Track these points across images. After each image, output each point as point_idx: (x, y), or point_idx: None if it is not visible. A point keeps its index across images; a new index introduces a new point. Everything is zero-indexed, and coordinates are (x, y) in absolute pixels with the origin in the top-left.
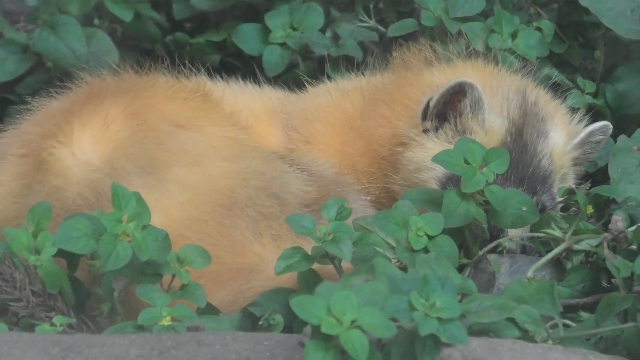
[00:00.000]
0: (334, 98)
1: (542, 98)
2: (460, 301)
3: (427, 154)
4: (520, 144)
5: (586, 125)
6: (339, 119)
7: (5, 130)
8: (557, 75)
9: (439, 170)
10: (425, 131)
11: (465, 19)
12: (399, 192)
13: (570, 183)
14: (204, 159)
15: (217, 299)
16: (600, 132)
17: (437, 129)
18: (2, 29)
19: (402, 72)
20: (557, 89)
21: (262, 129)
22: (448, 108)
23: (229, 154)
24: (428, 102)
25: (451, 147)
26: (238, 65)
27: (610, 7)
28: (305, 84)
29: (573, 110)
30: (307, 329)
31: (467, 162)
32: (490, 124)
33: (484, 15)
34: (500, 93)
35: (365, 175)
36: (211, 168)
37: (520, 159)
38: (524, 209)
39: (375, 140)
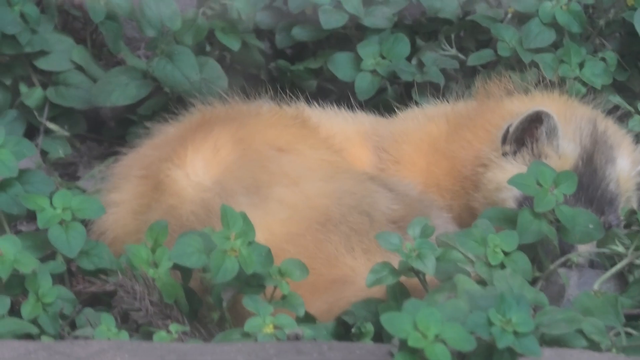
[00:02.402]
0: (420, 122)
1: (610, 127)
2: (533, 313)
3: (506, 175)
4: (591, 169)
5: None
6: (425, 141)
7: (128, 152)
8: (620, 102)
9: (517, 191)
10: (505, 154)
11: (537, 50)
12: (479, 209)
13: (634, 205)
14: (302, 179)
15: (314, 308)
16: None
17: (515, 153)
18: (125, 56)
19: (485, 100)
20: (620, 116)
21: (355, 150)
22: (526, 134)
23: (325, 175)
24: (508, 127)
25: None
26: (333, 90)
27: None
28: (394, 108)
29: (637, 137)
30: (395, 340)
31: (539, 184)
32: (564, 150)
33: (554, 45)
34: (573, 122)
35: (449, 193)
36: (308, 188)
37: (590, 182)
38: (591, 226)
39: (459, 161)
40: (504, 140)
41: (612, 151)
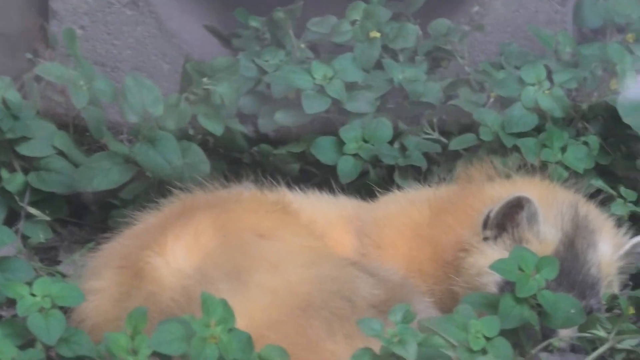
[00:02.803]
0: (402, 207)
1: (591, 211)
2: None
3: (487, 260)
4: (572, 254)
5: (631, 238)
6: (407, 226)
7: (108, 241)
8: (602, 185)
9: (498, 276)
10: (486, 239)
11: (519, 134)
12: (461, 294)
13: (615, 290)
14: (283, 265)
15: None
16: None
17: (496, 238)
18: (107, 141)
19: (466, 185)
20: (603, 199)
21: (338, 235)
22: (507, 219)
23: (306, 261)
24: (489, 213)
25: (508, 254)
26: (316, 173)
27: None
28: (376, 193)
29: (619, 222)
30: None
31: (521, 270)
32: (545, 235)
33: (537, 129)
34: (555, 207)
35: (431, 277)
36: (290, 274)
37: (571, 267)
38: (573, 311)
39: (441, 246)
40: (485, 225)
41: (593, 236)
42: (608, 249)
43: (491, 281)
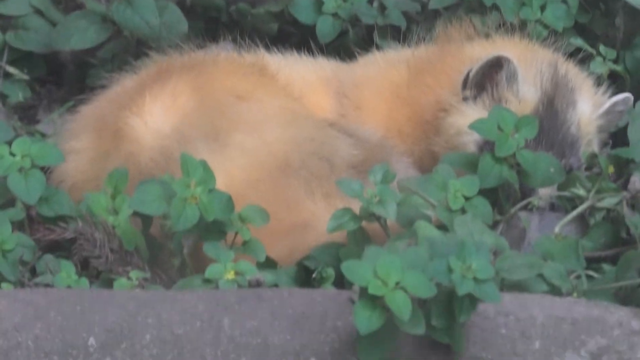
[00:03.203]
0: (381, 68)
1: (571, 70)
2: (494, 258)
3: (466, 120)
4: (551, 112)
5: (610, 97)
6: (386, 87)
7: (87, 100)
8: (581, 44)
9: (477, 135)
10: (465, 99)
11: None
12: (440, 153)
13: (595, 148)
14: (261, 126)
15: (275, 253)
16: (622, 103)
17: (475, 98)
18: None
19: (445, 45)
20: (582, 58)
21: (316, 96)
22: (486, 79)
23: (284, 122)
24: (468, 72)
25: (487, 114)
26: (294, 33)
27: None
28: (356, 54)
29: (599, 80)
30: (356, 287)
31: (500, 129)
32: (524, 94)
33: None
34: (534, 66)
35: (410, 138)
36: (267, 135)
37: (551, 125)
38: (552, 170)
39: (420, 107)
40: (465, 85)
41: (573, 94)
42: (587, 107)
43: (470, 140)
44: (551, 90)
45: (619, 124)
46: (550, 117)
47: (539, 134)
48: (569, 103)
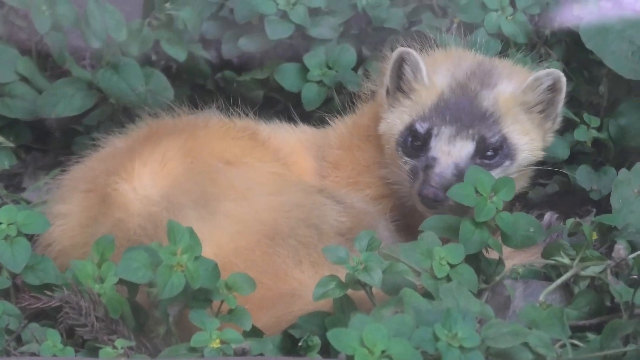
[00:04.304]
0: (348, 126)
1: (500, 63)
2: (479, 326)
3: (387, 124)
4: (459, 92)
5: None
6: (354, 141)
7: (74, 164)
8: (565, 112)
9: (396, 132)
10: (390, 106)
11: None
12: (390, 178)
13: (526, 126)
14: (250, 193)
15: (261, 322)
16: (548, 79)
17: (396, 102)
18: (70, 67)
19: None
20: (566, 126)
21: (301, 161)
22: (400, 80)
23: (273, 189)
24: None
25: (405, 111)
26: (280, 100)
27: (613, 50)
28: (326, 119)
29: (583, 147)
30: (342, 356)
31: (478, 193)
32: (433, 82)
33: (500, 55)
34: (451, 61)
35: (381, 178)
36: (257, 202)
37: (458, 102)
38: (532, 230)
39: (371, 133)
40: (387, 93)
41: (491, 78)
42: (509, 87)
43: (392, 140)
44: (463, 76)
45: (602, 191)
46: (456, 96)
47: (443, 112)
48: (484, 85)
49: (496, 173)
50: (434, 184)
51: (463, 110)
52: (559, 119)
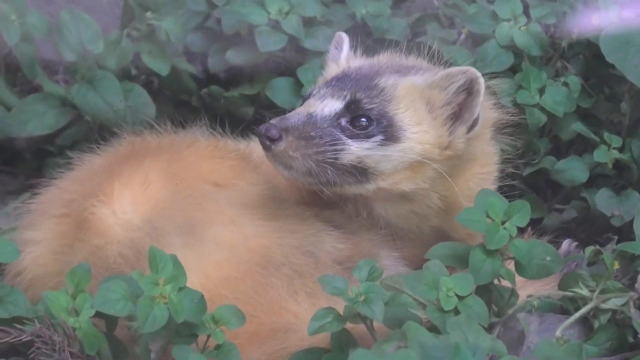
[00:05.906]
0: None
1: (422, 62)
2: None
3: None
4: (364, 70)
5: None
6: None
7: (47, 187)
8: (584, 130)
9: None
10: None
11: (493, 75)
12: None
13: (421, 117)
14: (240, 218)
15: (252, 359)
16: (461, 77)
17: None
18: (42, 82)
19: None
20: (585, 146)
21: None
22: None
23: (265, 213)
24: None
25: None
26: (271, 117)
27: (635, 63)
28: None
29: (603, 169)
30: None
31: (490, 218)
32: (347, 62)
33: (512, 69)
34: (392, 57)
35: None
36: (247, 227)
37: (352, 74)
38: (548, 258)
39: None
40: None
41: (405, 70)
42: (416, 78)
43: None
44: (376, 62)
45: (625, 217)
46: (357, 71)
47: (334, 79)
48: (393, 71)
49: (368, 145)
50: (273, 122)
51: (350, 78)
52: (477, 128)
